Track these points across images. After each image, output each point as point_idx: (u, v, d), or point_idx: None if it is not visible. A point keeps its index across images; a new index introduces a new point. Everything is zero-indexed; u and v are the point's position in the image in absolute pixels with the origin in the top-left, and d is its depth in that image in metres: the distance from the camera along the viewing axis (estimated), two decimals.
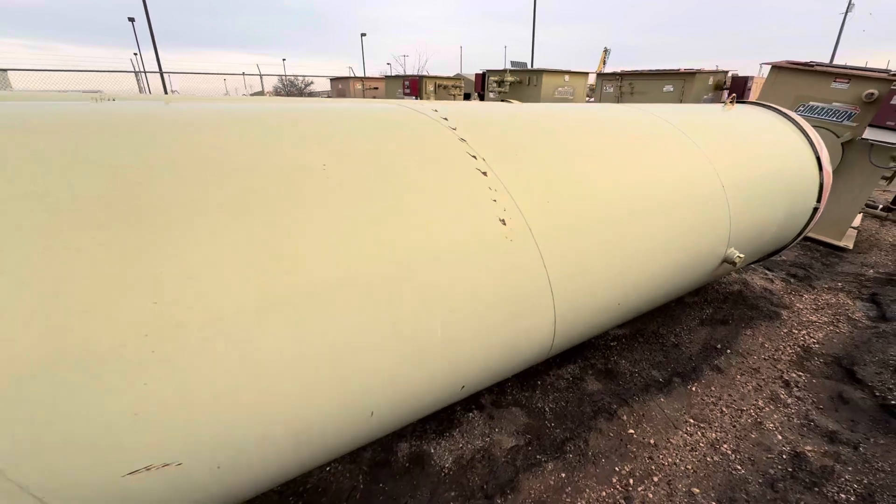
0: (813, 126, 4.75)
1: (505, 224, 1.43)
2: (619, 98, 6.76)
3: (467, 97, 10.04)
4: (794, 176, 2.89)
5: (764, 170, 2.62)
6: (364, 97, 12.61)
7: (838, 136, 4.66)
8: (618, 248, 1.80)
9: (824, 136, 4.71)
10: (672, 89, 6.35)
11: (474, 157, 1.48)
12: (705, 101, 6.33)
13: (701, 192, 2.17)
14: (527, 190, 1.54)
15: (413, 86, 10.63)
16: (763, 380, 2.68)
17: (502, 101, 8.07)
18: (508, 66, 8.93)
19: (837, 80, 4.58)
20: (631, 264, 1.88)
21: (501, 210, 1.44)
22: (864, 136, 4.38)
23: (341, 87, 13.06)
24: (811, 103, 4.79)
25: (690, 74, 5.96)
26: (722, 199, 2.27)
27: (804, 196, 3.01)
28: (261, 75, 15.39)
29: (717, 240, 2.33)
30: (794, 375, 2.73)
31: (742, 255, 2.45)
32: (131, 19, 40.90)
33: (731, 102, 3.09)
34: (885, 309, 3.52)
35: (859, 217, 5.54)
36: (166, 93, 21.19)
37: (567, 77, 8.80)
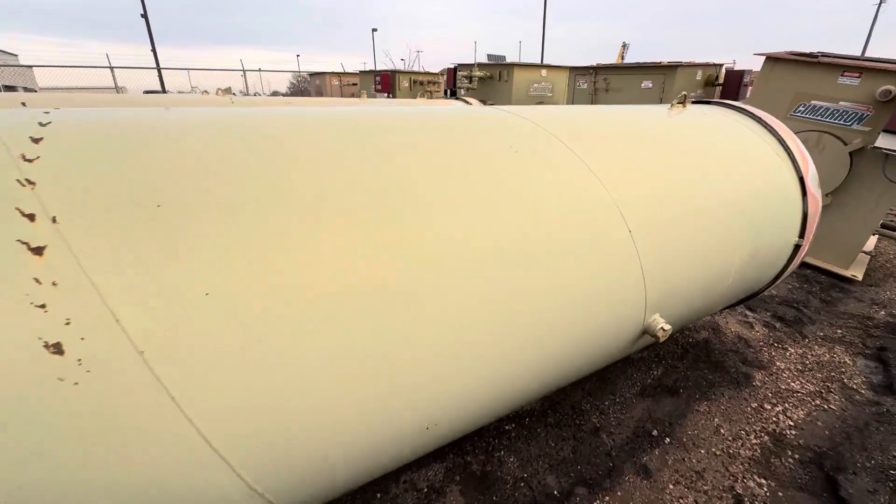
0: (816, 131, 3.91)
1: (62, 352, 0.73)
2: (594, 96, 5.90)
3: (447, 93, 9.31)
4: (764, 205, 2.10)
5: (709, 201, 1.85)
6: (342, 94, 11.99)
7: (846, 144, 3.79)
8: (410, 347, 1.08)
9: (829, 143, 3.85)
10: (651, 86, 5.45)
11: (30, 216, 0.78)
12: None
13: (587, 240, 1.43)
14: (151, 264, 0.83)
15: (384, 81, 9.83)
16: (706, 493, 1.92)
17: (457, 98, 7.38)
18: (482, 61, 8.14)
19: (846, 73, 3.71)
20: (446, 368, 1.16)
21: (59, 322, 0.74)
22: (876, 145, 3.52)
23: (318, 83, 12.36)
24: (813, 102, 3.92)
25: (672, 68, 5.06)
26: (628, 250, 1.52)
27: (779, 231, 2.22)
28: (244, 71, 14.77)
29: (625, 308, 1.58)
30: (753, 485, 1.96)
31: (668, 327, 1.69)
32: (143, 16, 41.29)
33: (679, 102, 2.31)
34: (895, 373, 2.69)
35: (873, 240, 4.65)
36: (162, 90, 20.99)
37: (544, 72, 7.90)
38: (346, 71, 12.12)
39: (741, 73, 5.75)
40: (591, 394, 2.46)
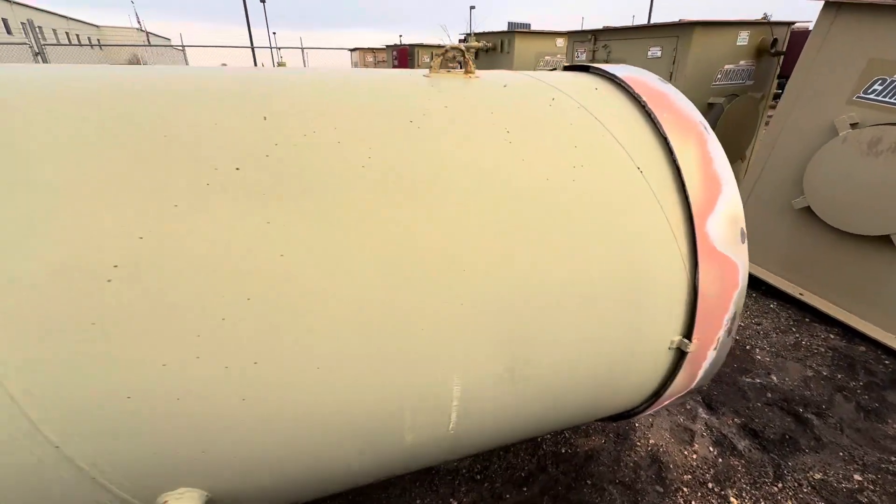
0: (890, 125, 2.35)
1: None
2: None
3: None
4: (556, 276, 1.03)
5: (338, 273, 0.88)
6: (392, 66, 11.48)
7: None
8: None
9: None
10: (659, 54, 3.83)
11: None
12: (730, 74, 3.77)
13: None
14: None
15: (401, 56, 8.86)
16: None
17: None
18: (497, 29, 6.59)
19: None
20: None
21: None
22: None
23: (356, 59, 12.07)
24: None
25: (686, 27, 3.43)
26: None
27: (616, 327, 1.12)
28: (302, 48, 14.80)
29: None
30: None
31: None
32: (262, 1, 45.09)
33: (451, 62, 1.26)
34: None
35: None
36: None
37: (560, 41, 6.20)
38: (370, 47, 11.73)
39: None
40: None
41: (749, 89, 3.78)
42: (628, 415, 1.48)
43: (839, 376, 2.42)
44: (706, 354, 1.25)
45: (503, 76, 1.31)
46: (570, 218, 1.06)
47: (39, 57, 12.12)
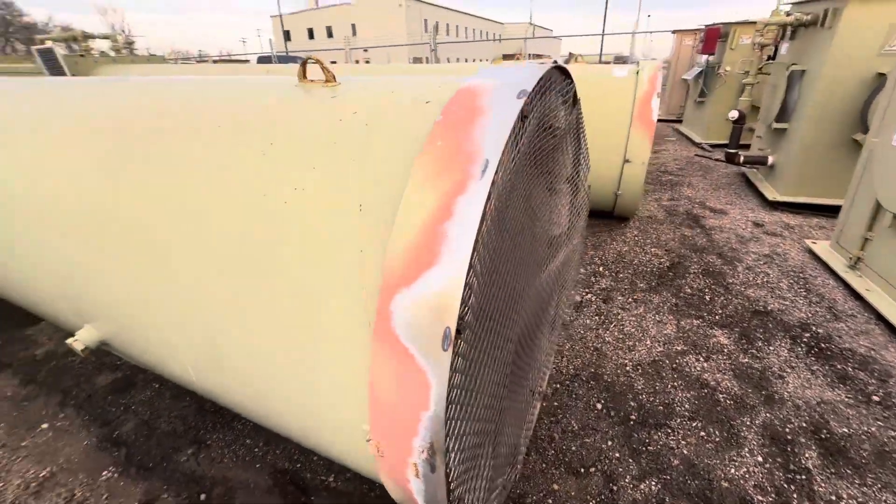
0: None
1: None
2: None
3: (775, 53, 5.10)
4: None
5: None
6: (692, 54, 8.93)
7: None
8: None
9: None
10: None
11: None
12: None
13: None
14: None
15: (708, 39, 6.41)
16: None
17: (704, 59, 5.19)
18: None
19: None
20: None
21: None
22: None
23: (674, 43, 9.63)
24: None
25: None
26: None
27: (295, 380, 1.01)
28: (633, 33, 13.31)
29: None
30: None
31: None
32: None
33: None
34: None
35: None
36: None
37: None
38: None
39: None
40: None
41: None
42: None
43: None
44: (406, 476, 0.90)
45: (364, 86, 1.20)
46: (264, 240, 1.01)
47: (434, 52, 16.68)
